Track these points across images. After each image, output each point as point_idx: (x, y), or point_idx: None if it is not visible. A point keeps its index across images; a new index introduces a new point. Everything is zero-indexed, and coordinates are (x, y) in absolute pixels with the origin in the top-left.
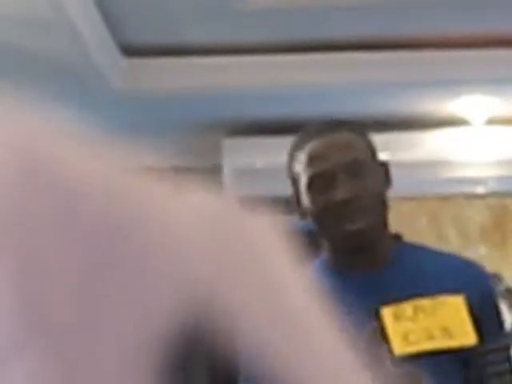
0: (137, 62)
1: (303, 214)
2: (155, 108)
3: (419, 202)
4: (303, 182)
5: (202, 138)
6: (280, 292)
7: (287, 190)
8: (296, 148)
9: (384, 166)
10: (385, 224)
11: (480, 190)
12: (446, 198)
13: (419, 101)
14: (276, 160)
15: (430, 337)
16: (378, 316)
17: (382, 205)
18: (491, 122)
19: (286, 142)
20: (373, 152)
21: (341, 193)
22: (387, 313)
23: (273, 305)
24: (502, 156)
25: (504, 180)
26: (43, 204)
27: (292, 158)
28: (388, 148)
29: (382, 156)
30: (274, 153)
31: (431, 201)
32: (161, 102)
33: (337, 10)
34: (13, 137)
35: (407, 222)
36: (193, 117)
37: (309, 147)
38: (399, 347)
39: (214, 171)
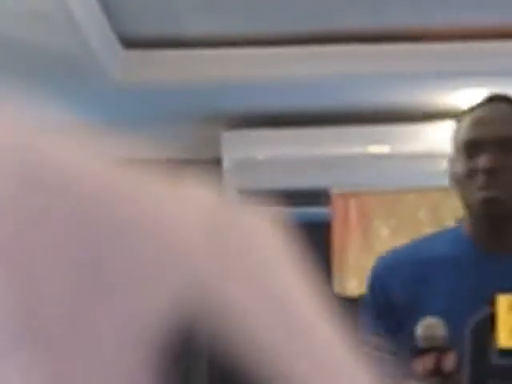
0: (137, 53)
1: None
2: (155, 100)
3: (419, 194)
4: (456, 145)
5: (201, 131)
6: (279, 291)
7: (287, 182)
8: (462, 115)
9: None
10: None
11: None
12: (446, 190)
13: (419, 93)
14: (276, 152)
15: None
16: (493, 303)
17: None
18: None
19: (287, 134)
20: None
21: (487, 161)
22: (503, 301)
23: (272, 303)
24: None
25: None
26: (38, 204)
27: (456, 124)
28: (388, 140)
29: (382, 148)
30: (273, 145)
31: (431, 193)
32: (160, 94)
33: (337, 2)
34: (8, 138)
35: (408, 214)
36: (192, 109)
37: (471, 115)
38: (505, 339)
39: (213, 164)
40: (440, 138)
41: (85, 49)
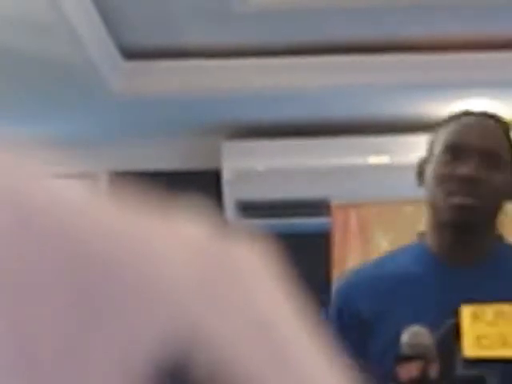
0: (137, 64)
1: (422, 182)
2: (155, 110)
3: (420, 205)
4: (438, 148)
5: (201, 141)
6: (269, 325)
7: (287, 193)
8: (447, 120)
9: None
10: (492, 222)
11: None
12: None
13: (421, 103)
14: (276, 163)
15: (505, 344)
16: (457, 313)
17: (497, 204)
18: None
19: (287, 144)
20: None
21: (468, 170)
22: (466, 312)
23: (262, 339)
24: None
25: None
26: (32, 247)
27: (439, 126)
28: (389, 150)
29: (382, 159)
30: (274, 156)
31: None
32: (161, 105)
33: (338, 12)
34: (3, 180)
35: (408, 225)
36: (192, 119)
37: (457, 121)
38: (470, 349)
39: (213, 174)
40: None
41: (85, 60)
